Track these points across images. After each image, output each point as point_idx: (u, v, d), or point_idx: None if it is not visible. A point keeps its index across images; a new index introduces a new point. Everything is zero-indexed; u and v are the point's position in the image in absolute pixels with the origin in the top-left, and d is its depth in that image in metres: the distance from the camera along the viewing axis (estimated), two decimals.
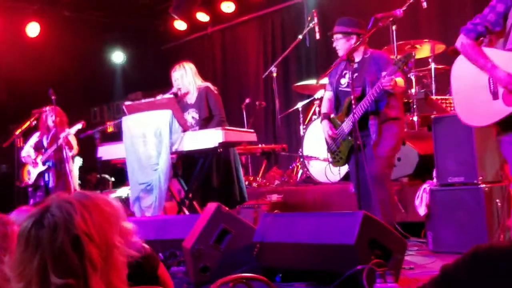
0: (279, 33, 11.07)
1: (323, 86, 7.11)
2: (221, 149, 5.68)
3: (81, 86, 12.39)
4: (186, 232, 4.55)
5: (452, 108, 5.88)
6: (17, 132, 8.09)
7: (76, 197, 1.58)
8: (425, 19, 8.59)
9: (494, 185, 4.94)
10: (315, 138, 7.15)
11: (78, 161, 9.08)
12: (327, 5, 9.74)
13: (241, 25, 11.74)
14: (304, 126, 7.86)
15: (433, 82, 6.76)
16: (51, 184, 7.94)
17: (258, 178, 8.67)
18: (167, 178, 5.74)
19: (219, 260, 4.26)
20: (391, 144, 4.99)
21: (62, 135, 7.71)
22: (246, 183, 8.22)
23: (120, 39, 12.95)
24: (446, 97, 6.21)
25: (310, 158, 7.40)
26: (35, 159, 8.05)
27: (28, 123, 8.12)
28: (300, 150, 7.61)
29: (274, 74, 8.10)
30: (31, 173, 8.07)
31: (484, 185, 4.88)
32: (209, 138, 5.61)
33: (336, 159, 5.37)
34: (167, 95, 6.09)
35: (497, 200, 4.88)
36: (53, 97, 7.52)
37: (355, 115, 4.77)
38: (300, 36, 7.82)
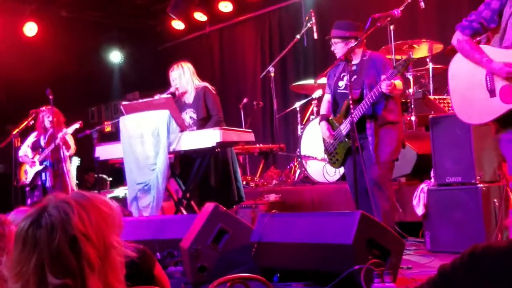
0: (276, 32, 11.06)
1: (321, 86, 7.12)
2: (218, 149, 5.69)
3: (79, 86, 12.38)
4: (184, 232, 4.55)
5: (449, 108, 5.88)
6: (15, 132, 8.08)
7: (74, 197, 1.58)
8: (423, 19, 8.59)
9: (492, 184, 4.95)
10: (313, 138, 7.16)
11: (76, 161, 9.07)
12: (325, 4, 9.73)
13: (239, 24, 11.74)
14: (302, 126, 7.86)
15: (431, 82, 6.76)
16: (48, 184, 7.93)
17: (256, 178, 8.67)
18: (164, 178, 5.74)
19: (216, 260, 4.26)
20: (391, 149, 4.98)
21: (60, 135, 7.71)
22: (244, 183, 8.21)
23: (117, 39, 12.94)
24: (444, 96, 6.22)
25: (307, 158, 7.41)
26: (32, 158, 8.04)
27: (25, 122, 8.11)
28: (298, 150, 7.61)
29: (272, 74, 8.11)
30: (28, 173, 8.06)
31: (482, 185, 4.88)
32: (207, 138, 5.61)
33: (332, 161, 5.37)
34: (165, 95, 6.09)
35: (495, 200, 4.89)
36: (50, 97, 7.51)
37: (353, 118, 4.77)
38: (298, 36, 7.82)
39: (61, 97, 7.99)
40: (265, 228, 4.15)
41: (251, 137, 6.14)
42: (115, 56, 13.31)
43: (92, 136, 6.70)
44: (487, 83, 3.66)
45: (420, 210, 5.23)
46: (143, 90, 12.37)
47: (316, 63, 10.10)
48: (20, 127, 8.11)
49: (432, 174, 5.30)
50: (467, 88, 3.80)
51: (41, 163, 7.97)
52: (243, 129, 6.69)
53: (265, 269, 4.02)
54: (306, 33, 7.88)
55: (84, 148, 8.50)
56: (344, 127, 5.09)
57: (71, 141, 7.95)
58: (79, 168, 9.47)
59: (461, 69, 3.84)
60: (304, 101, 8.32)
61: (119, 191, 9.63)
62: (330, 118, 5.32)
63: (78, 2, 11.52)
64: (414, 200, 5.31)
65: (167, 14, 11.04)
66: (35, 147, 8.08)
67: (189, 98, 6.23)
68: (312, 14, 7.77)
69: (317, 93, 7.72)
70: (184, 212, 6.00)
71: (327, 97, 5.45)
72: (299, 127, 8.18)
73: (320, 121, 5.36)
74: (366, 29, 4.94)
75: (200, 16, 11.47)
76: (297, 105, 8.34)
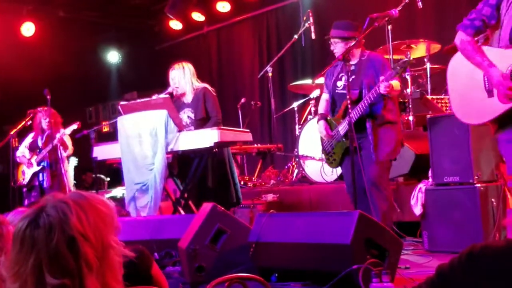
0: (274, 32, 11.07)
1: (319, 86, 7.12)
2: (216, 149, 5.69)
3: (77, 86, 12.37)
4: (182, 232, 4.55)
5: (447, 108, 5.89)
6: (12, 132, 8.07)
7: (72, 197, 1.58)
8: (421, 19, 8.60)
9: (490, 184, 4.96)
10: (311, 138, 7.15)
11: (74, 161, 9.06)
12: (323, 4, 9.74)
13: (237, 25, 11.74)
14: (300, 126, 7.86)
15: (428, 82, 6.77)
16: (45, 185, 7.92)
17: (253, 178, 8.67)
18: (162, 178, 5.73)
19: (214, 260, 4.26)
20: (390, 149, 4.99)
21: (57, 135, 7.70)
22: (242, 182, 8.22)
23: (115, 39, 12.94)
24: (442, 96, 6.22)
25: (305, 157, 7.41)
26: (29, 159, 8.03)
27: (23, 123, 8.10)
28: (296, 149, 7.61)
29: (270, 74, 8.11)
30: (26, 174, 8.05)
31: (479, 185, 4.89)
32: (205, 138, 5.61)
33: (330, 160, 5.37)
34: (163, 95, 6.08)
35: (493, 200, 4.89)
36: (48, 97, 7.50)
37: (351, 118, 4.77)
38: (296, 36, 7.83)
39: (58, 97, 7.98)
40: (263, 228, 4.15)
41: (249, 137, 6.13)
42: (113, 56, 13.30)
43: (90, 136, 6.70)
44: (485, 83, 3.66)
45: (418, 210, 5.24)
46: (141, 90, 12.36)
47: (313, 63, 10.10)
48: (18, 128, 8.09)
49: (430, 174, 5.30)
50: (466, 88, 3.80)
51: (38, 164, 7.96)
52: (241, 129, 6.69)
53: (263, 269, 4.02)
54: (303, 33, 7.88)
55: (82, 148, 8.48)
56: (342, 127, 5.09)
57: (68, 141, 7.94)
58: (77, 168, 9.47)
59: (459, 69, 3.85)
60: (302, 101, 8.32)
61: (117, 191, 9.62)
62: (329, 117, 5.32)
63: (76, 2, 11.51)
64: (412, 200, 5.31)
65: (165, 14, 11.04)
66: (33, 148, 8.07)
67: (187, 98, 6.22)
68: (310, 14, 7.77)
69: (315, 93, 7.72)
70: (182, 212, 6.00)
71: (325, 96, 5.44)
72: (297, 127, 8.18)
73: (319, 120, 5.36)
74: (364, 29, 4.95)
75: (198, 16, 11.47)
76: (295, 105, 8.34)
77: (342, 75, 5.11)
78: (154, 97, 6.03)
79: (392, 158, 5.05)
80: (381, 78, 4.81)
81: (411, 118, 6.48)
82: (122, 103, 6.34)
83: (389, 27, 6.19)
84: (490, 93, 3.64)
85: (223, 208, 4.46)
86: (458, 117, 3.90)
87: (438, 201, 5.13)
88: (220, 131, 5.57)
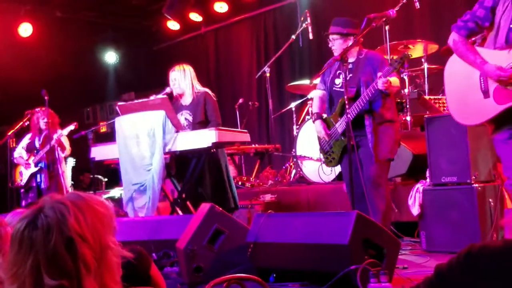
0: (272, 33, 11.07)
1: (316, 86, 7.11)
2: (214, 149, 5.69)
3: (74, 86, 12.36)
4: (180, 232, 4.55)
5: (445, 108, 5.90)
6: (10, 133, 8.06)
7: (70, 198, 1.58)
8: (418, 19, 8.61)
9: (487, 184, 4.96)
10: (308, 138, 7.16)
11: (71, 161, 9.06)
12: (320, 5, 9.74)
13: (234, 25, 11.74)
14: (297, 126, 7.87)
15: (426, 82, 6.77)
16: (43, 185, 7.91)
17: (251, 178, 8.67)
18: (160, 178, 5.73)
19: (212, 261, 4.26)
20: (388, 148, 4.98)
21: (55, 136, 7.69)
22: (239, 183, 8.23)
23: (112, 39, 12.92)
24: (439, 97, 6.23)
25: (303, 158, 7.41)
26: (27, 160, 8.02)
27: (20, 123, 8.09)
28: (294, 150, 7.61)
29: (267, 74, 8.11)
30: (23, 174, 8.04)
31: (477, 185, 4.89)
32: (203, 138, 5.61)
33: (328, 160, 5.35)
34: (161, 96, 6.08)
35: (490, 200, 4.90)
36: (46, 98, 7.50)
37: (349, 116, 4.76)
38: (293, 36, 7.83)
39: (56, 97, 7.97)
40: (261, 228, 4.15)
41: (246, 137, 6.13)
42: (110, 57, 13.29)
43: (87, 137, 6.69)
44: (481, 84, 3.68)
45: (415, 210, 5.24)
46: (138, 90, 12.37)
47: (311, 63, 10.11)
48: (15, 128, 8.09)
49: (427, 174, 5.31)
50: (462, 89, 3.82)
51: (36, 165, 7.95)
52: (239, 130, 6.69)
53: (261, 270, 4.02)
54: (301, 33, 7.89)
55: (80, 148, 8.49)
56: (340, 126, 5.08)
57: (66, 142, 7.94)
58: (74, 169, 9.48)
59: (456, 70, 3.86)
60: (300, 101, 8.33)
61: (115, 192, 9.62)
62: (325, 116, 5.31)
63: (73, 3, 11.50)
64: (410, 200, 5.32)
65: (162, 14, 11.03)
66: (30, 149, 8.06)
67: (186, 100, 6.21)
68: (307, 15, 7.77)
69: (312, 94, 7.71)
70: (180, 212, 5.99)
71: (319, 93, 5.42)
72: (294, 127, 8.19)
73: (315, 120, 5.33)
74: (362, 29, 4.95)
75: (195, 17, 11.47)
76: (293, 105, 8.35)
77: (340, 73, 5.10)
78: (152, 97, 6.02)
79: (390, 157, 5.05)
80: (379, 74, 4.81)
81: (408, 118, 6.48)
82: (119, 103, 6.33)
83: (387, 27, 6.20)
84: (486, 94, 3.66)
85: (221, 209, 4.47)
86: (455, 118, 3.92)
87: (435, 201, 5.14)
88: (218, 131, 5.58)
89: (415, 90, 6.67)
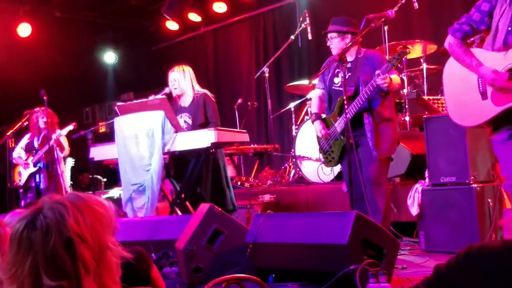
0: (271, 33, 11.07)
1: (315, 87, 7.12)
2: (213, 149, 5.69)
3: (73, 86, 12.36)
4: (179, 232, 4.55)
5: (443, 108, 5.90)
6: (9, 133, 8.06)
7: (69, 198, 1.58)
8: (417, 20, 8.61)
9: (486, 184, 4.97)
10: (307, 138, 7.16)
11: (70, 162, 9.05)
12: (319, 5, 9.74)
13: (233, 25, 11.74)
14: (296, 126, 7.87)
15: (425, 82, 6.77)
16: (42, 186, 7.90)
17: (250, 178, 8.67)
18: (159, 178, 5.73)
19: (211, 261, 4.26)
20: (387, 147, 4.98)
21: (53, 136, 7.69)
22: (238, 183, 8.23)
23: (112, 39, 12.92)
24: (438, 97, 6.23)
25: (302, 158, 7.41)
26: (26, 160, 8.02)
27: (19, 124, 8.09)
28: (293, 150, 7.61)
29: (266, 75, 8.11)
30: (22, 175, 8.04)
31: (476, 185, 4.90)
32: (202, 138, 5.61)
33: (328, 159, 5.34)
34: (160, 96, 6.08)
35: (489, 200, 4.91)
36: (45, 98, 7.49)
37: (347, 115, 4.76)
38: (292, 37, 7.83)
39: (55, 97, 7.97)
40: (260, 228, 4.15)
41: (245, 137, 6.13)
42: (109, 57, 13.28)
43: (86, 137, 6.69)
44: (479, 85, 3.70)
45: (414, 210, 5.24)
46: (137, 90, 12.36)
47: (310, 63, 10.11)
48: (14, 128, 8.09)
49: (426, 174, 5.31)
50: (461, 91, 3.84)
51: (35, 165, 7.94)
52: (238, 130, 6.69)
53: (260, 270, 4.02)
54: (300, 33, 7.88)
55: (79, 149, 8.48)
56: (339, 125, 5.07)
57: (65, 142, 7.93)
58: (73, 169, 9.47)
59: (455, 71, 3.87)
60: (299, 101, 8.33)
61: (114, 192, 9.61)
62: (324, 116, 5.31)
63: (72, 3, 11.50)
64: (409, 200, 5.32)
65: (161, 14, 11.03)
66: (29, 149, 8.06)
67: (185, 101, 6.20)
68: (306, 15, 7.78)
69: (311, 94, 7.72)
70: (179, 212, 5.99)
71: (318, 92, 5.42)
72: (293, 127, 8.19)
73: (314, 120, 5.33)
74: (361, 30, 4.95)
75: (194, 17, 11.46)
76: (292, 105, 8.35)
77: (339, 72, 5.10)
78: (151, 97, 6.02)
79: (389, 156, 5.05)
80: (377, 72, 4.80)
81: (407, 118, 6.49)
82: (118, 103, 6.33)
83: (386, 28, 6.21)
84: (484, 95, 3.68)
85: (220, 209, 4.47)
86: (453, 119, 3.93)
87: (434, 202, 5.14)
88: (217, 131, 5.58)
89: (414, 91, 6.67)
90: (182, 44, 12.57)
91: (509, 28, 3.54)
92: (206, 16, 11.52)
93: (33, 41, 10.87)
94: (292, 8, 10.23)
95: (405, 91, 6.60)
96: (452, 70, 3.91)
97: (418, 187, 5.29)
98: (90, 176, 11.07)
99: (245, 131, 6.31)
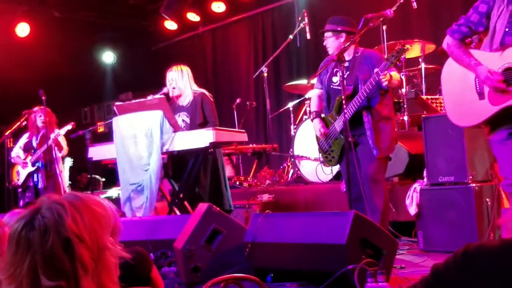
0: (269, 33, 11.07)
1: (314, 86, 7.12)
2: (212, 149, 5.68)
3: (72, 86, 12.35)
4: (177, 232, 4.55)
5: (442, 108, 5.90)
6: (7, 133, 8.06)
7: (67, 198, 1.57)
8: (416, 19, 8.61)
9: (484, 184, 4.97)
10: (306, 138, 7.16)
11: (68, 161, 9.05)
12: (318, 5, 9.74)
13: (232, 25, 11.73)
14: (295, 126, 7.87)
15: (423, 82, 6.78)
16: (40, 185, 7.90)
17: (249, 178, 8.67)
18: (158, 178, 5.73)
19: (210, 261, 4.26)
20: (386, 145, 4.98)
21: (52, 136, 7.69)
22: (237, 183, 8.23)
23: (110, 39, 12.91)
24: (436, 96, 6.23)
25: (301, 158, 7.41)
26: (24, 159, 8.01)
27: (18, 123, 8.09)
28: (291, 150, 7.61)
29: (265, 74, 8.11)
30: (20, 174, 8.04)
31: (474, 184, 4.90)
32: (200, 138, 5.61)
33: (328, 159, 5.34)
34: (158, 96, 6.07)
35: (487, 199, 4.91)
36: (43, 98, 7.49)
37: (346, 114, 4.76)
38: (291, 36, 7.83)
39: (53, 97, 7.97)
40: (259, 228, 4.15)
41: (244, 137, 6.13)
42: (108, 57, 13.28)
43: (85, 137, 6.68)
44: (477, 86, 3.72)
45: (413, 210, 5.25)
46: (136, 90, 12.35)
47: (309, 63, 10.11)
48: (13, 128, 8.09)
49: (424, 173, 5.31)
50: (459, 91, 3.85)
51: (33, 164, 7.94)
52: (236, 129, 6.69)
53: (259, 269, 4.02)
54: (299, 33, 7.88)
55: (77, 148, 8.47)
56: (338, 124, 5.07)
57: (63, 142, 7.93)
58: (72, 169, 9.46)
59: (453, 71, 3.89)
60: (297, 101, 8.32)
61: (112, 192, 9.61)
62: (323, 115, 5.31)
63: (70, 3, 11.48)
64: (407, 199, 5.32)
65: (160, 14, 11.02)
66: (27, 148, 8.06)
67: (183, 101, 6.20)
68: (305, 14, 7.77)
69: (310, 93, 7.71)
70: (178, 212, 5.99)
71: (317, 92, 5.43)
72: (292, 127, 8.19)
73: (313, 118, 5.33)
74: (359, 29, 4.95)
75: (193, 17, 11.46)
76: (290, 105, 8.35)
77: (337, 71, 5.10)
78: (150, 97, 6.02)
79: (387, 155, 5.05)
80: (375, 70, 4.80)
81: (405, 118, 6.49)
82: (117, 103, 6.33)
83: (384, 27, 6.21)
84: (481, 95, 3.69)
85: (218, 209, 4.47)
86: (450, 119, 3.94)
87: (433, 201, 5.15)
88: (215, 131, 5.58)
89: (413, 90, 6.68)
90: (180, 44, 12.56)
91: (507, 29, 3.56)
92: (205, 16, 11.52)
93: (31, 41, 10.86)
94: (291, 8, 10.22)
95: (403, 90, 6.60)
96: (451, 70, 3.91)
97: (416, 186, 5.29)
98: (89, 176, 11.02)
99: (243, 130, 6.31)
